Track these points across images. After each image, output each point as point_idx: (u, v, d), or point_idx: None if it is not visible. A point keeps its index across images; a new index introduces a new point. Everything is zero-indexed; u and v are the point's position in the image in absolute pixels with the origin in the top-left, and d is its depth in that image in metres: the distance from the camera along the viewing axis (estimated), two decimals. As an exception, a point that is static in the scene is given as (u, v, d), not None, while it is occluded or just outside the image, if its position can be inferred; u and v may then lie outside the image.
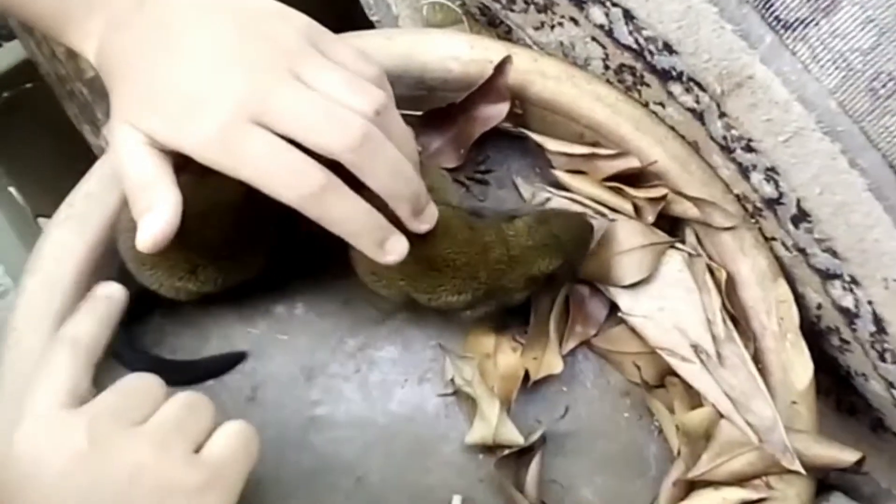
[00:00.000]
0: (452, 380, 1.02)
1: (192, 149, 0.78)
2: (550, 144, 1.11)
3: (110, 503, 0.71)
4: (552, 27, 1.13)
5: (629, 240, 1.07)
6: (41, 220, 1.29)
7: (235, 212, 0.93)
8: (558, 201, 1.10)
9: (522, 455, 0.99)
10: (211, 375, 1.02)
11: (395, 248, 0.83)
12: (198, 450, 0.77)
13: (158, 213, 0.79)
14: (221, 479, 0.72)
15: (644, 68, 1.07)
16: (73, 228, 0.99)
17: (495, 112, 1.10)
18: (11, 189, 1.27)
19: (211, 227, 0.93)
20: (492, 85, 1.08)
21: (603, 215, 1.10)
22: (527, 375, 1.02)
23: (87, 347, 0.83)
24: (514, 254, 0.98)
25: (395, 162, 0.73)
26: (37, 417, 0.75)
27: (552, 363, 1.03)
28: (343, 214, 0.72)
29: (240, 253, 0.96)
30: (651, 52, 1.03)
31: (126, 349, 1.00)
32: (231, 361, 1.03)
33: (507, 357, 1.04)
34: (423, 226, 0.87)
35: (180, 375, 1.01)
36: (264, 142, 0.77)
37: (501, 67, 1.07)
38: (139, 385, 0.80)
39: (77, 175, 1.02)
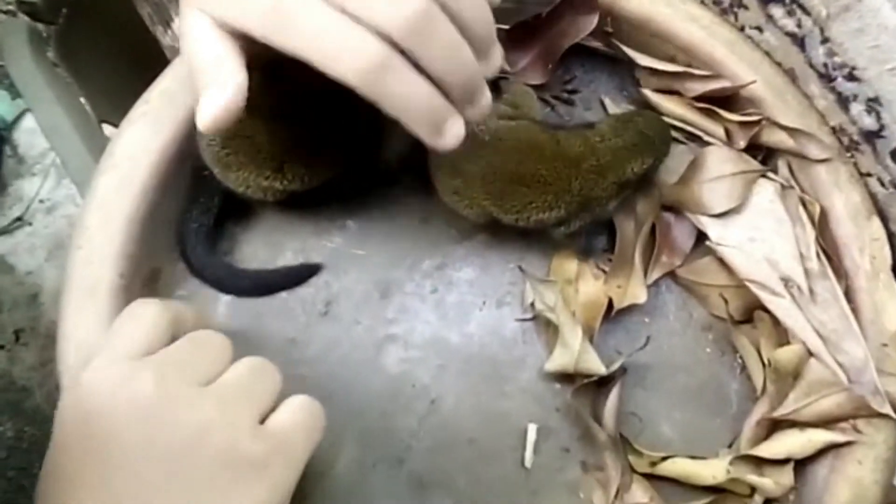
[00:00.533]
0: (533, 304, 0.98)
1: (251, 24, 0.73)
2: (642, 60, 1.06)
3: (173, 458, 0.65)
4: (646, -58, 1.06)
5: (719, 167, 1.03)
6: (106, 127, 1.24)
7: (315, 103, 0.89)
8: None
9: (601, 385, 0.95)
10: (285, 286, 0.99)
11: (452, 131, 0.77)
12: (263, 419, 0.71)
13: (221, 89, 0.73)
14: (285, 452, 0.69)
15: None
16: (148, 126, 0.95)
17: (584, 24, 1.04)
18: (81, 98, 1.23)
19: (294, 121, 0.90)
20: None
21: (694, 139, 1.06)
22: (609, 304, 0.98)
23: (178, 310, 0.78)
24: (605, 160, 0.94)
25: (452, 45, 0.68)
26: (108, 360, 0.71)
27: (636, 293, 0.99)
28: (401, 93, 0.66)
29: (324, 147, 0.93)
30: None
31: (198, 254, 0.97)
32: (305, 273, 0.99)
33: (589, 284, 1.00)
34: (475, 113, 0.81)
35: (253, 285, 0.98)
36: (320, 14, 0.71)
37: None
38: (209, 341, 0.77)
39: (148, 82, 0.98)
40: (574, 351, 0.94)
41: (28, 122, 1.75)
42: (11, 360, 1.61)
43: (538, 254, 1.02)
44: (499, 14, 0.98)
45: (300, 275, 0.99)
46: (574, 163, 0.93)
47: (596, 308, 0.98)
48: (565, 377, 0.96)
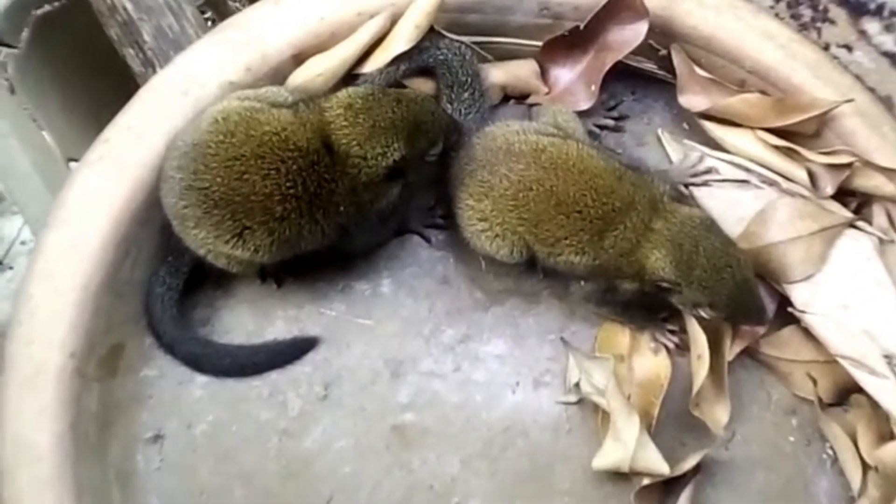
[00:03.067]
0: (578, 385, 0.83)
1: None
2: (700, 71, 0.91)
3: None
4: (710, -54, 0.92)
5: (794, 224, 0.86)
6: (73, 165, 1.11)
7: (286, 161, 0.78)
8: (715, 164, 0.91)
9: (669, 485, 0.80)
10: (273, 365, 0.85)
11: None
12: None
13: None
14: None
15: (831, 0, 0.89)
16: (108, 170, 0.81)
17: (631, 34, 0.90)
18: (43, 131, 1.10)
19: (254, 177, 0.78)
20: (621, 2, 0.88)
21: (771, 184, 0.89)
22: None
23: None
24: (656, 231, 0.80)
25: None
26: None
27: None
28: None
29: (295, 214, 0.79)
30: None
31: (166, 325, 0.84)
32: (300, 349, 0.85)
33: (646, 359, 0.85)
34: None
35: (235, 363, 0.84)
36: None
37: None
38: None
39: (116, 112, 0.85)
40: (629, 445, 0.78)
41: (10, 157, 1.65)
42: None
43: (584, 323, 0.87)
44: (532, 29, 0.89)
45: (294, 350, 0.85)
46: (623, 209, 0.80)
47: (655, 389, 0.82)
48: (619, 475, 0.80)
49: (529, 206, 0.80)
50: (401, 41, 0.88)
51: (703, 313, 0.79)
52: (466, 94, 0.90)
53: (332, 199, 0.78)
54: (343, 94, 0.79)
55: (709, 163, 0.91)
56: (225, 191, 0.76)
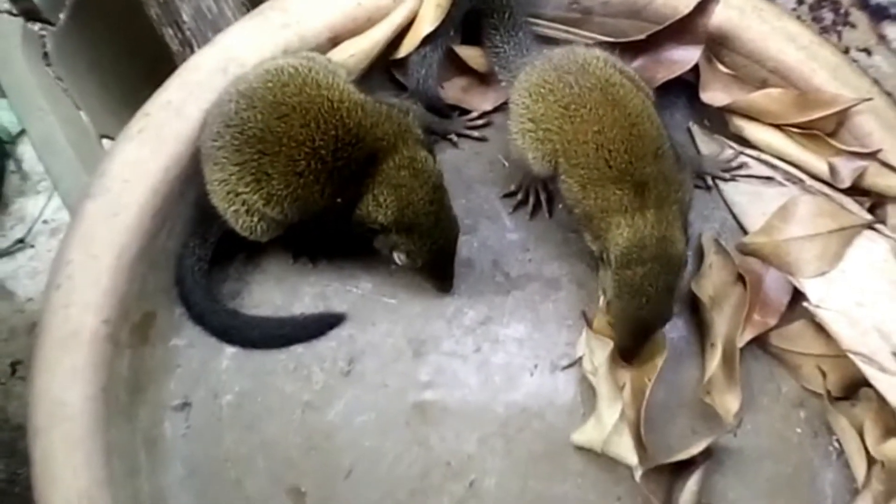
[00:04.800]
0: (581, 359, 0.85)
1: None
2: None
3: None
4: (736, -52, 0.93)
5: (814, 221, 0.88)
6: (106, 142, 1.12)
7: (329, 124, 0.80)
8: (744, 160, 0.94)
9: (677, 470, 0.81)
10: (300, 339, 0.86)
11: None
12: None
13: None
14: None
15: (852, 3, 0.91)
16: (147, 143, 0.82)
17: (685, 56, 0.91)
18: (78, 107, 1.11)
19: (294, 121, 0.79)
20: (687, 24, 0.89)
21: (795, 182, 0.91)
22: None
23: None
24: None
25: None
26: None
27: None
28: None
29: (314, 176, 0.80)
30: None
31: (196, 296, 0.85)
32: (326, 324, 0.86)
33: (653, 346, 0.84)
34: None
35: (262, 335, 0.85)
36: None
37: (704, 6, 0.88)
38: None
39: (148, 92, 0.86)
40: (606, 429, 0.80)
41: (35, 135, 1.65)
42: (6, 394, 1.49)
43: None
44: (564, 22, 0.93)
45: (320, 325, 0.86)
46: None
47: (649, 369, 0.83)
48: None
49: (575, 122, 0.81)
50: (426, 22, 0.90)
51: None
52: (519, 34, 0.92)
53: (343, 187, 0.79)
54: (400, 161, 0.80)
55: (741, 159, 0.92)
56: (261, 128, 0.77)
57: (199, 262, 0.84)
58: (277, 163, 0.78)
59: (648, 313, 0.79)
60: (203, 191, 0.82)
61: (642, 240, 0.79)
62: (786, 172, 0.91)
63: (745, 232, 0.91)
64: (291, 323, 0.86)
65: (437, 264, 0.83)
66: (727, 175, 0.91)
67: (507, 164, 0.93)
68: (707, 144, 0.94)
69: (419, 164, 0.80)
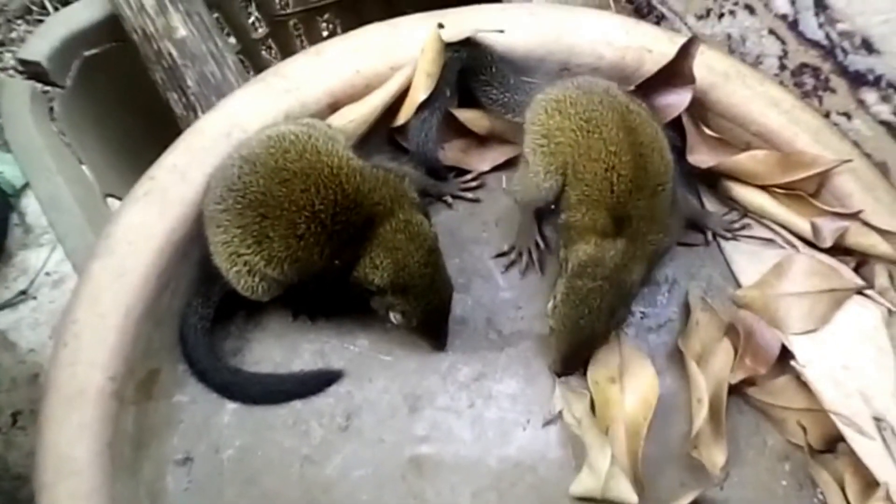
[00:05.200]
0: (561, 414, 0.87)
1: None
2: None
3: None
4: (720, 16, 0.98)
5: (806, 280, 0.91)
6: (112, 202, 1.14)
7: (329, 189, 0.83)
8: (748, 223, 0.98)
9: (666, 524, 0.80)
10: (299, 395, 0.87)
11: None
12: None
13: None
14: None
15: (832, 70, 0.92)
16: (152, 206, 0.85)
17: (677, 99, 0.94)
18: (83, 166, 1.13)
19: (294, 187, 0.82)
20: (674, 69, 0.92)
21: (793, 247, 0.95)
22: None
23: None
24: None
25: None
26: None
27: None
28: None
29: (314, 239, 0.83)
30: (844, 51, 0.89)
31: (199, 353, 0.87)
32: (325, 380, 0.88)
33: (636, 380, 0.87)
34: None
35: (262, 391, 0.87)
36: None
37: (687, 49, 0.91)
38: None
39: (158, 155, 0.88)
40: (601, 476, 0.81)
41: (38, 189, 1.66)
42: (7, 444, 1.50)
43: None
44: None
45: (318, 382, 0.88)
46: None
47: (645, 409, 0.85)
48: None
49: (591, 138, 0.84)
50: (420, 91, 0.92)
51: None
52: (511, 81, 0.95)
53: (341, 249, 0.82)
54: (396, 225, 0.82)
55: (744, 221, 0.95)
56: (262, 192, 0.80)
57: (202, 320, 0.86)
58: (278, 226, 0.81)
59: (587, 325, 0.82)
60: (206, 252, 0.84)
61: (602, 259, 0.82)
62: (785, 238, 0.94)
63: (740, 287, 0.93)
64: (291, 379, 0.87)
65: (431, 323, 0.85)
66: (728, 234, 0.93)
67: (497, 225, 0.96)
68: (712, 202, 0.97)
69: (415, 227, 0.82)
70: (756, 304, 0.90)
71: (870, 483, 0.82)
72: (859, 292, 0.90)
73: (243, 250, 0.82)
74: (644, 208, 0.83)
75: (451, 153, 0.99)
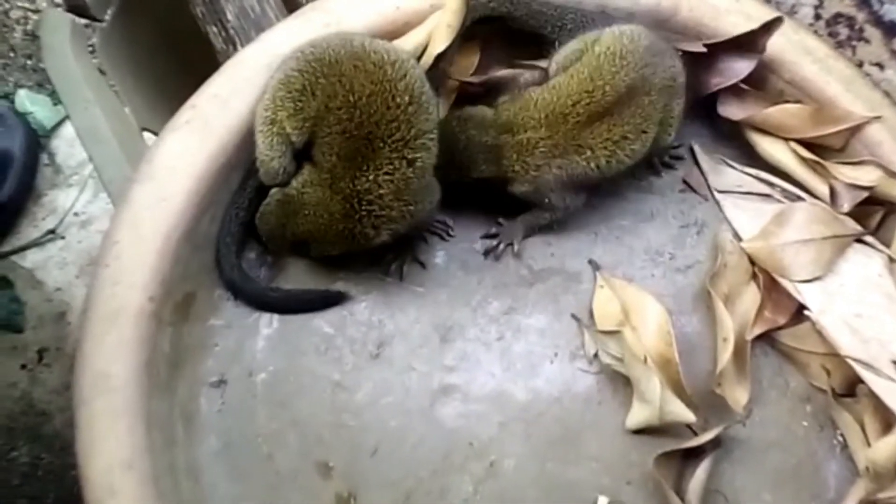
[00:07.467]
0: (597, 355, 0.88)
1: None
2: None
3: None
4: (756, -35, 0.96)
5: (809, 227, 0.92)
6: (147, 136, 1.15)
7: (376, 86, 0.83)
8: (743, 178, 0.98)
9: (687, 457, 0.84)
10: (299, 310, 0.89)
11: None
12: None
13: None
14: None
15: (866, 19, 0.94)
16: (193, 133, 0.86)
17: (742, 67, 0.95)
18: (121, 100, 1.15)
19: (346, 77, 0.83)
20: (750, 38, 0.94)
21: (793, 200, 0.95)
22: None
23: None
24: None
25: None
26: None
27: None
28: None
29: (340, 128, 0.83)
30: (880, 0, 0.90)
31: (237, 274, 0.88)
32: (327, 301, 0.89)
33: (642, 317, 0.88)
34: None
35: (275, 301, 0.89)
36: None
37: (769, 26, 0.93)
38: None
39: (195, 88, 0.89)
40: (655, 404, 0.83)
41: (68, 130, 1.68)
42: (33, 381, 1.52)
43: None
44: None
45: (318, 302, 0.90)
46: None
47: (664, 337, 0.86)
48: (643, 445, 0.85)
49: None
50: (439, 42, 0.92)
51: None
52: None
53: (361, 162, 0.82)
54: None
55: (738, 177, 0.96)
56: (310, 78, 0.82)
57: (235, 231, 0.88)
58: (318, 92, 0.82)
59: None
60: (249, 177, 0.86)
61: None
62: (784, 190, 0.95)
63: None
64: (296, 295, 0.89)
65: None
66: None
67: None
68: (708, 163, 0.98)
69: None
70: (760, 255, 0.91)
71: (889, 423, 0.84)
72: (859, 240, 0.91)
73: (280, 116, 0.83)
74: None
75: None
